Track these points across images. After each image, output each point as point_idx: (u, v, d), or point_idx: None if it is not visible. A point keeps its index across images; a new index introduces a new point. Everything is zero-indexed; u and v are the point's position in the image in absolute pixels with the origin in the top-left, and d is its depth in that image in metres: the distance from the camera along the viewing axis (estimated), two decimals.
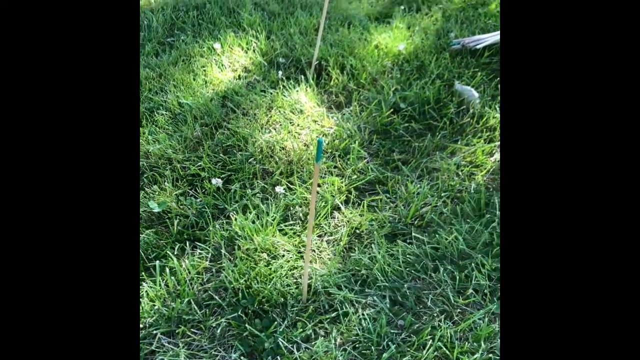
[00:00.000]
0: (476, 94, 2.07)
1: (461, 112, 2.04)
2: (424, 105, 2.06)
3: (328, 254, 1.50)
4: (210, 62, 2.34)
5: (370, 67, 2.26)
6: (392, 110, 2.07)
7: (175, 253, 1.48)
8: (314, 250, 1.51)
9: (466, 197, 1.67)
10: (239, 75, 2.29)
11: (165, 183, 1.76)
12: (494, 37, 2.30)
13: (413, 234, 1.54)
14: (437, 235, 1.52)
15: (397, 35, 2.41)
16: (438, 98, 2.09)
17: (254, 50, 2.40)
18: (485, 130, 1.97)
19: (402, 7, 2.60)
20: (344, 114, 2.10)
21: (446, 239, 1.50)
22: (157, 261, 1.43)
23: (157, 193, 1.70)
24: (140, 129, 2.00)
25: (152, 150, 1.88)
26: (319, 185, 1.72)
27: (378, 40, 2.39)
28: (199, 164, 1.86)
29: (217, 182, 1.78)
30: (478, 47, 2.26)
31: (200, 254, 1.50)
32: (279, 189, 1.72)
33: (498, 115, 2.00)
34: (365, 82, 2.21)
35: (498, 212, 1.57)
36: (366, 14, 2.60)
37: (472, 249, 1.48)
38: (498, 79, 2.15)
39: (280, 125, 2.04)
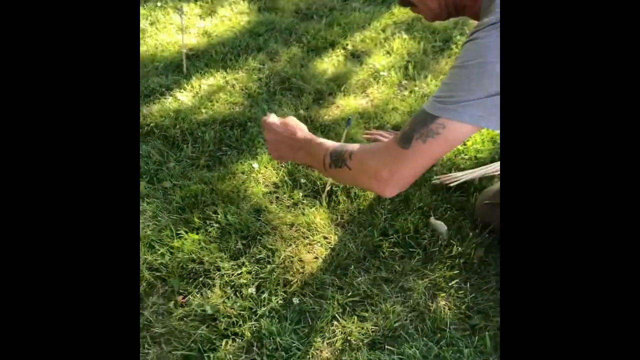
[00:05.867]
0: (445, 228, 2.78)
1: (432, 242, 2.75)
2: (405, 233, 2.77)
3: (326, 354, 2.20)
4: (250, 178, 3.07)
5: (370, 194, 2.98)
6: (382, 234, 2.78)
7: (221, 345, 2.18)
8: None
9: (427, 316, 2.37)
10: (270, 191, 3.02)
11: (215, 288, 2.47)
12: (466, 176, 3.01)
13: (386, 346, 2.24)
14: (403, 348, 2.22)
15: None
16: (417, 228, 2.80)
17: (283, 171, 3.13)
18: (448, 259, 2.68)
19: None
20: (347, 232, 2.82)
21: (409, 352, 2.20)
22: (210, 353, 2.15)
23: (209, 297, 2.41)
24: (196, 236, 2.72)
25: (206, 259, 2.60)
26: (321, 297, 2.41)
27: None
28: (240, 271, 2.58)
29: (251, 290, 2.50)
30: (452, 185, 2.97)
31: (239, 345, 2.20)
32: (295, 300, 2.43)
33: (460, 247, 2.70)
34: (364, 207, 2.92)
35: (448, 332, 2.27)
36: None
37: None
38: (462, 217, 2.87)
39: (299, 240, 2.75)
